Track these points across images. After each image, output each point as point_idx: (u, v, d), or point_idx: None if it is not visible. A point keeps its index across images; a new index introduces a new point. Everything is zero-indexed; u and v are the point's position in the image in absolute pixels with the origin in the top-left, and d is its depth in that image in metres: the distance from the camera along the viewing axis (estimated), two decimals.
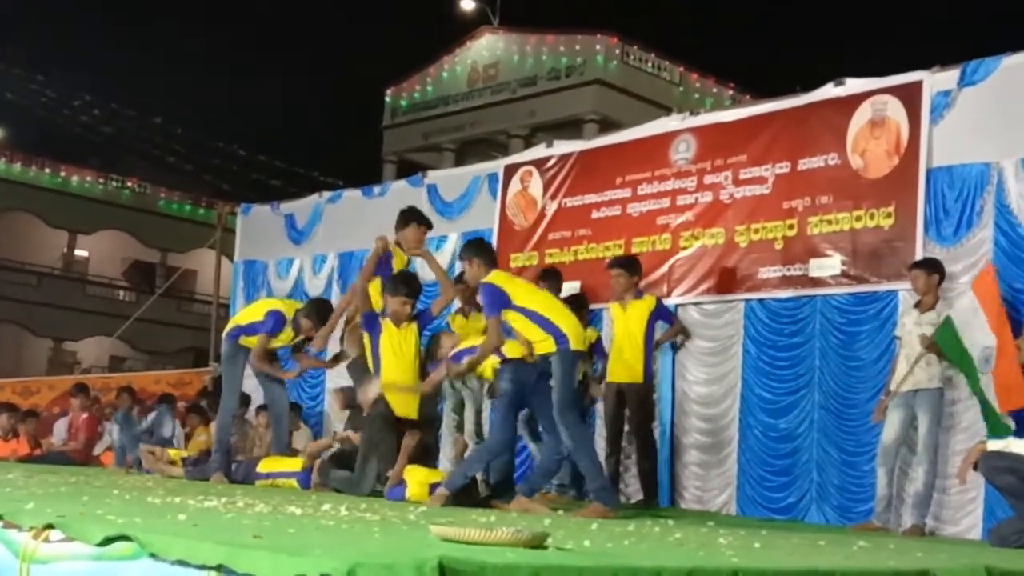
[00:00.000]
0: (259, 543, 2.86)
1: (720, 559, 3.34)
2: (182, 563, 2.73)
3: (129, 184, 33.75)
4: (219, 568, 2.64)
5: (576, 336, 6.27)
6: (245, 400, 11.44)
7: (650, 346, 8.05)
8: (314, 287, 11.79)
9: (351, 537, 3.42)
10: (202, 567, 2.68)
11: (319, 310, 8.29)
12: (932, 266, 6.91)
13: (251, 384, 12.05)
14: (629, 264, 8.14)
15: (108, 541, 2.96)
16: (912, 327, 6.95)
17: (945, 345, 6.70)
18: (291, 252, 12.20)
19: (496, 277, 6.45)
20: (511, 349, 6.43)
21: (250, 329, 8.27)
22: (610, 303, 8.34)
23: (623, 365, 7.99)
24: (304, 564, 2.46)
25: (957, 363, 6.69)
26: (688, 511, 7.94)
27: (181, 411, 11.73)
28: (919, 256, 7.16)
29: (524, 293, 6.41)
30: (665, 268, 8.70)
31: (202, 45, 49.79)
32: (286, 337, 8.36)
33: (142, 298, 27.00)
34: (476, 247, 6.69)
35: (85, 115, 29.07)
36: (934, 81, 7.45)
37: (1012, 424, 6.42)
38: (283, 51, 50.52)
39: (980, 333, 6.54)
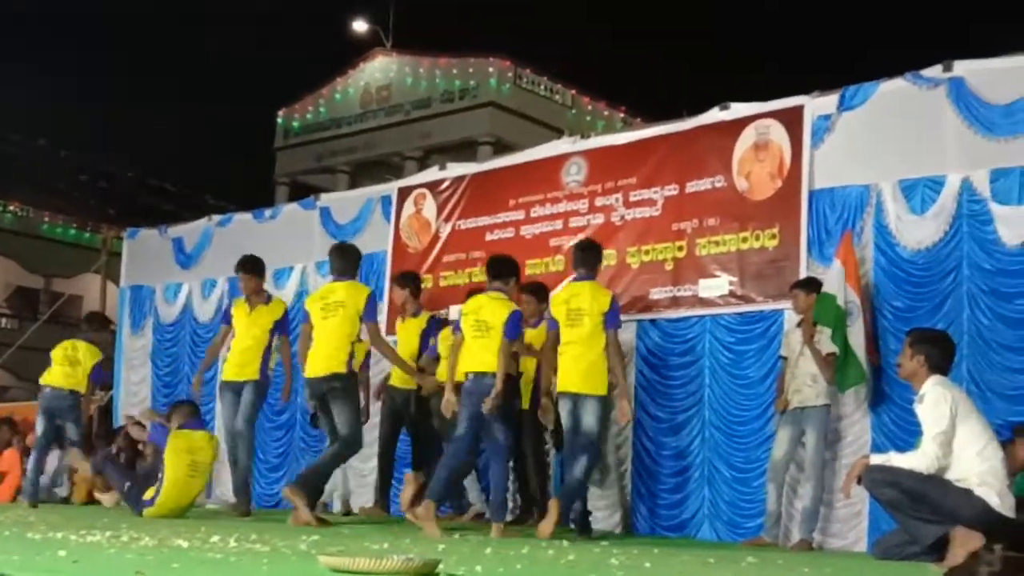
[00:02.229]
0: None
1: None
2: None
3: (11, 208, 32.75)
4: None
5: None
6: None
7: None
8: (203, 312, 11.58)
9: (238, 571, 3.36)
10: None
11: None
12: (811, 285, 7.10)
13: (140, 412, 11.82)
14: (540, 291, 8.11)
15: None
16: (796, 345, 7.11)
17: (823, 316, 6.92)
18: (179, 277, 11.96)
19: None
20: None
21: None
22: None
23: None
24: None
25: (833, 325, 6.88)
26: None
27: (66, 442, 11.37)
28: (803, 276, 7.33)
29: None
30: (558, 289, 8.73)
31: (88, 66, 48.72)
32: None
33: (25, 325, 26.18)
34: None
35: None
36: (815, 105, 7.66)
37: (867, 374, 6.83)
38: (173, 73, 49.63)
39: (847, 291, 6.92)
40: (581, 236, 8.71)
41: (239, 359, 8.45)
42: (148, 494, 7.76)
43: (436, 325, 8.76)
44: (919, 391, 5.64)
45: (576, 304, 7.02)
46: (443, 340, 7.97)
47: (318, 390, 7.37)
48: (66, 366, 9.47)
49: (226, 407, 8.54)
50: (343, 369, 7.32)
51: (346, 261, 7.61)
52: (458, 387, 6.98)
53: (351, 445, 7.42)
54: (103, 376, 9.37)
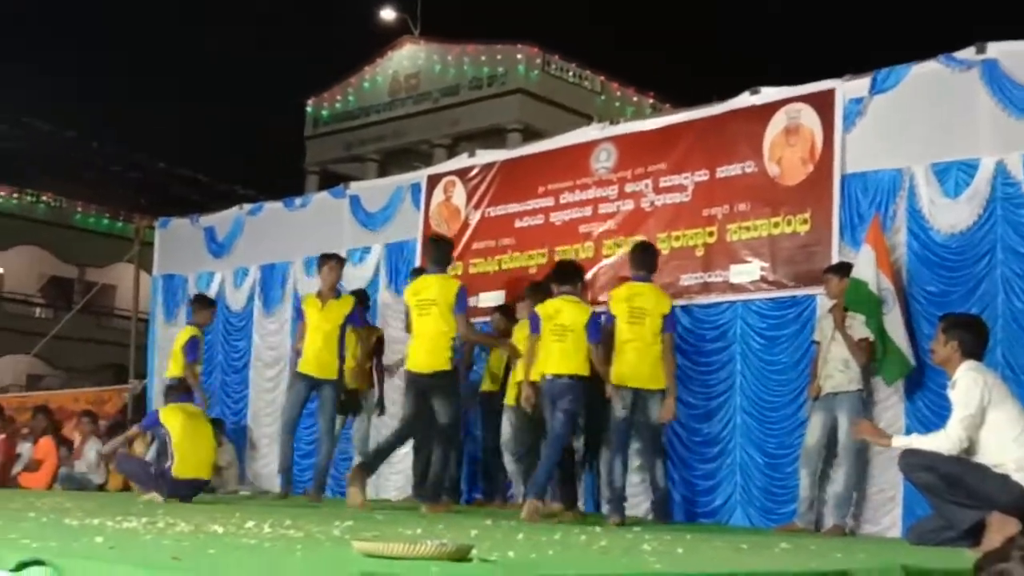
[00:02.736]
0: (177, 565, 2.81)
1: (644, 566, 3.36)
2: None
3: (44, 198, 33.05)
4: None
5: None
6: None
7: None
8: (236, 300, 11.65)
9: (272, 556, 3.38)
10: None
11: None
12: (843, 270, 7.04)
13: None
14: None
15: (22, 566, 2.89)
16: (828, 330, 7.07)
17: (855, 303, 6.85)
18: (211, 266, 12.04)
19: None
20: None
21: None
22: None
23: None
24: None
25: (867, 312, 6.83)
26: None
27: (101, 430, 11.51)
28: (835, 261, 7.28)
29: None
30: (588, 276, 8.74)
31: (119, 57, 49.06)
32: None
33: (59, 314, 26.41)
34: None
35: None
36: (846, 89, 7.60)
37: (912, 362, 6.74)
38: (203, 64, 49.88)
39: (880, 278, 6.82)
40: (611, 223, 8.73)
41: (318, 357, 8.62)
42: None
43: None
44: (952, 377, 5.61)
45: (639, 303, 7.23)
46: (520, 338, 8.00)
47: (423, 385, 7.48)
48: (170, 358, 9.80)
49: (295, 396, 8.74)
50: (447, 367, 7.49)
51: (442, 251, 7.76)
52: (534, 385, 7.32)
53: (452, 438, 7.61)
54: (194, 351, 9.41)
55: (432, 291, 7.52)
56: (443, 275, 7.68)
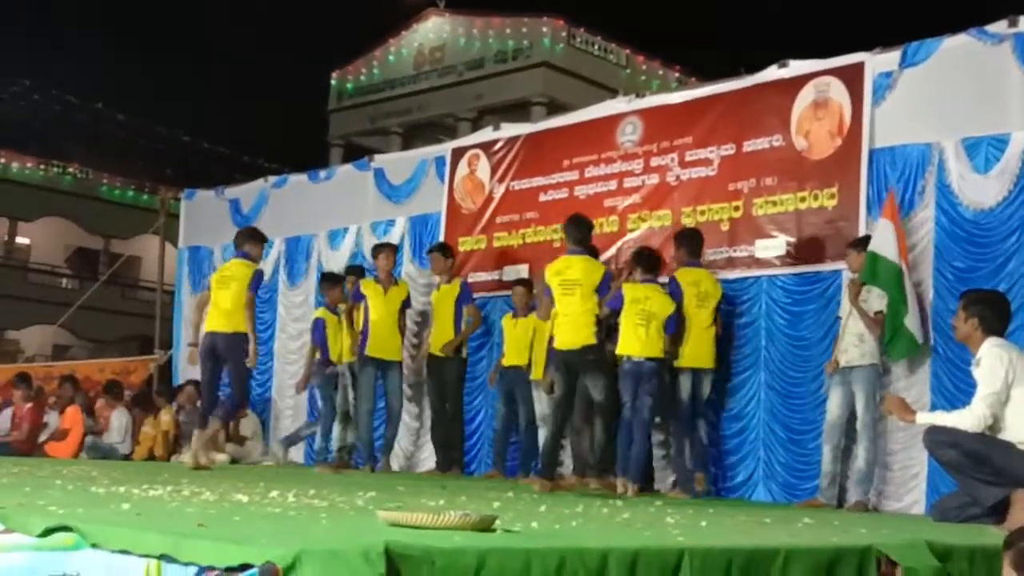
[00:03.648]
0: (203, 532, 2.83)
1: (667, 539, 3.36)
2: (124, 553, 2.70)
3: (71, 170, 33.19)
4: (162, 557, 2.62)
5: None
6: (197, 387, 11.33)
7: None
8: None
9: (297, 524, 3.40)
10: (145, 556, 2.66)
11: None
12: (863, 244, 6.98)
13: None
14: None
15: (49, 532, 2.92)
16: (846, 305, 7.05)
17: (871, 276, 6.80)
18: None
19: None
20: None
21: None
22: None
23: None
24: (248, 553, 2.45)
25: (884, 285, 6.79)
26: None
27: (127, 401, 11.60)
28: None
29: None
30: (613, 251, 8.72)
31: (144, 29, 49.12)
32: None
33: (85, 285, 26.59)
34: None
35: (24, 100, 28.55)
36: (876, 62, 7.51)
37: (920, 342, 6.76)
38: (227, 35, 49.85)
39: (898, 254, 6.79)
40: (636, 196, 8.70)
41: (386, 340, 9.09)
42: None
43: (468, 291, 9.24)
44: (976, 354, 5.57)
45: (704, 288, 7.67)
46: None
47: (572, 362, 7.45)
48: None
49: (367, 380, 9.11)
50: (594, 340, 7.42)
51: (583, 231, 7.62)
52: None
53: (609, 410, 7.57)
54: (319, 336, 9.77)
55: (576, 272, 7.43)
56: (586, 257, 7.53)
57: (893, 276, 6.74)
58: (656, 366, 7.33)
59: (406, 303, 9.32)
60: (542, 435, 8.64)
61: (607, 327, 7.43)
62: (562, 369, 7.49)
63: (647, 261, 7.63)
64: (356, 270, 9.90)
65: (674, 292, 7.54)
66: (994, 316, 5.62)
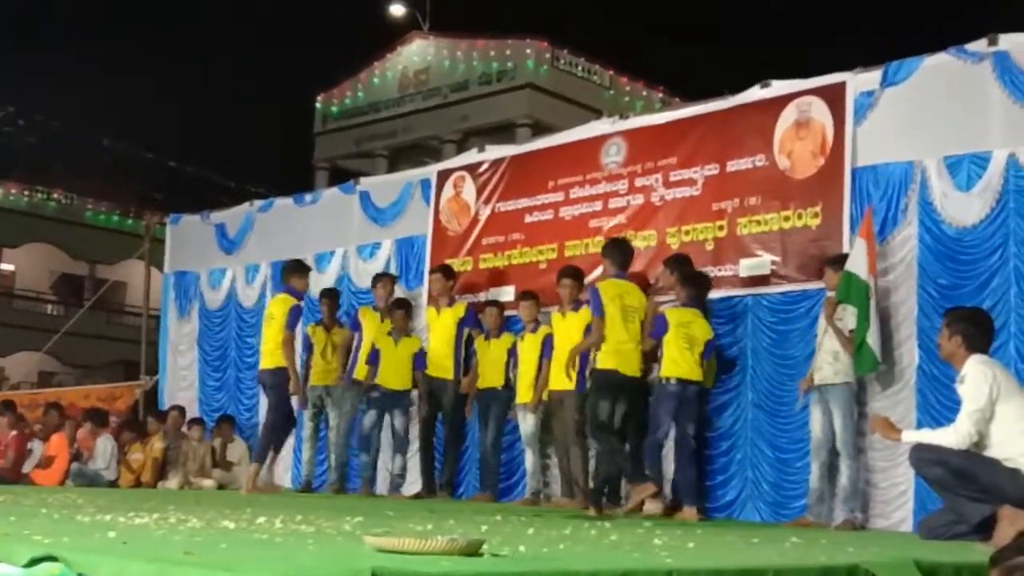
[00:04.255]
0: (190, 559, 2.82)
1: (655, 560, 3.36)
2: None
3: (55, 195, 33.14)
4: None
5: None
6: (182, 413, 11.31)
7: (585, 356, 8.16)
8: (247, 297, 11.67)
9: (284, 551, 3.39)
10: None
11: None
12: (840, 262, 7.03)
13: (187, 396, 11.98)
14: (575, 274, 8.32)
15: (35, 562, 2.91)
16: (823, 323, 7.09)
17: (846, 295, 6.87)
18: (223, 262, 12.05)
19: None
20: None
21: None
22: (553, 311, 8.48)
23: (559, 373, 8.11)
24: None
25: (855, 302, 6.86)
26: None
27: (113, 427, 11.54)
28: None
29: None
30: (598, 271, 8.73)
31: (127, 54, 49.13)
32: None
33: (71, 311, 26.51)
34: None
35: (8, 126, 28.49)
36: (857, 82, 7.57)
37: (878, 360, 6.82)
38: (210, 59, 49.90)
39: (868, 271, 6.87)
40: (621, 217, 8.72)
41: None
42: None
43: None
44: (960, 371, 5.59)
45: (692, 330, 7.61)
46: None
47: (626, 385, 7.50)
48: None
49: (353, 405, 9.43)
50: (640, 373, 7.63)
51: (627, 256, 7.75)
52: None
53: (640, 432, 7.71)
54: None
55: (635, 300, 7.56)
56: (636, 285, 7.70)
57: (863, 293, 6.80)
58: (700, 390, 7.54)
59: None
60: (528, 458, 8.64)
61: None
62: (617, 393, 7.48)
63: (696, 284, 7.69)
64: (330, 293, 10.01)
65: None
66: (978, 333, 5.64)
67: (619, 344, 7.39)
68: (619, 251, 7.64)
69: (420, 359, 9.27)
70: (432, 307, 9.43)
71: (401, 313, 9.35)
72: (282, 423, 9.18)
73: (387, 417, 9.36)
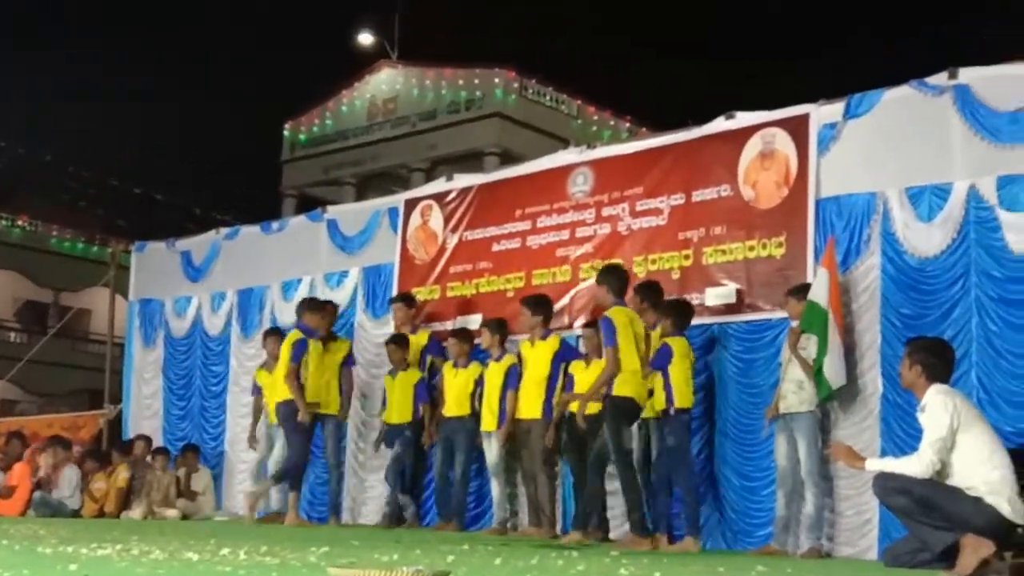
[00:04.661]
0: None
1: None
2: None
3: (20, 222, 32.84)
4: None
5: None
6: (148, 442, 11.21)
7: (552, 385, 8.16)
8: (213, 325, 11.60)
9: None
10: None
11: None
12: (802, 292, 7.10)
13: (152, 425, 11.86)
14: (533, 304, 8.34)
15: None
16: (787, 352, 7.14)
17: (809, 324, 6.96)
18: (188, 290, 11.99)
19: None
20: None
21: None
22: (522, 339, 8.57)
23: (527, 401, 8.11)
24: None
25: (817, 332, 6.93)
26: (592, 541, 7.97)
27: (77, 456, 11.42)
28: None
29: None
30: (566, 300, 8.78)
31: (94, 80, 48.84)
32: None
33: (34, 339, 26.19)
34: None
35: None
36: (820, 114, 7.67)
37: (833, 388, 6.93)
38: (179, 86, 49.79)
39: (828, 300, 6.96)
40: (588, 246, 8.76)
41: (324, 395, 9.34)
42: None
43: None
44: (921, 400, 5.63)
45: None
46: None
47: (636, 414, 7.42)
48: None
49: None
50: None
51: (624, 284, 7.52)
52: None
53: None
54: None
55: (641, 328, 7.40)
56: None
57: (822, 321, 6.86)
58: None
59: (346, 361, 9.57)
60: (494, 487, 8.60)
61: None
62: (633, 422, 7.43)
63: (684, 314, 7.59)
64: (274, 332, 10.10)
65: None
66: (938, 363, 5.68)
67: (635, 373, 7.17)
68: (616, 277, 7.44)
69: (421, 391, 9.16)
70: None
71: (392, 347, 9.21)
72: (295, 455, 9.17)
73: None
